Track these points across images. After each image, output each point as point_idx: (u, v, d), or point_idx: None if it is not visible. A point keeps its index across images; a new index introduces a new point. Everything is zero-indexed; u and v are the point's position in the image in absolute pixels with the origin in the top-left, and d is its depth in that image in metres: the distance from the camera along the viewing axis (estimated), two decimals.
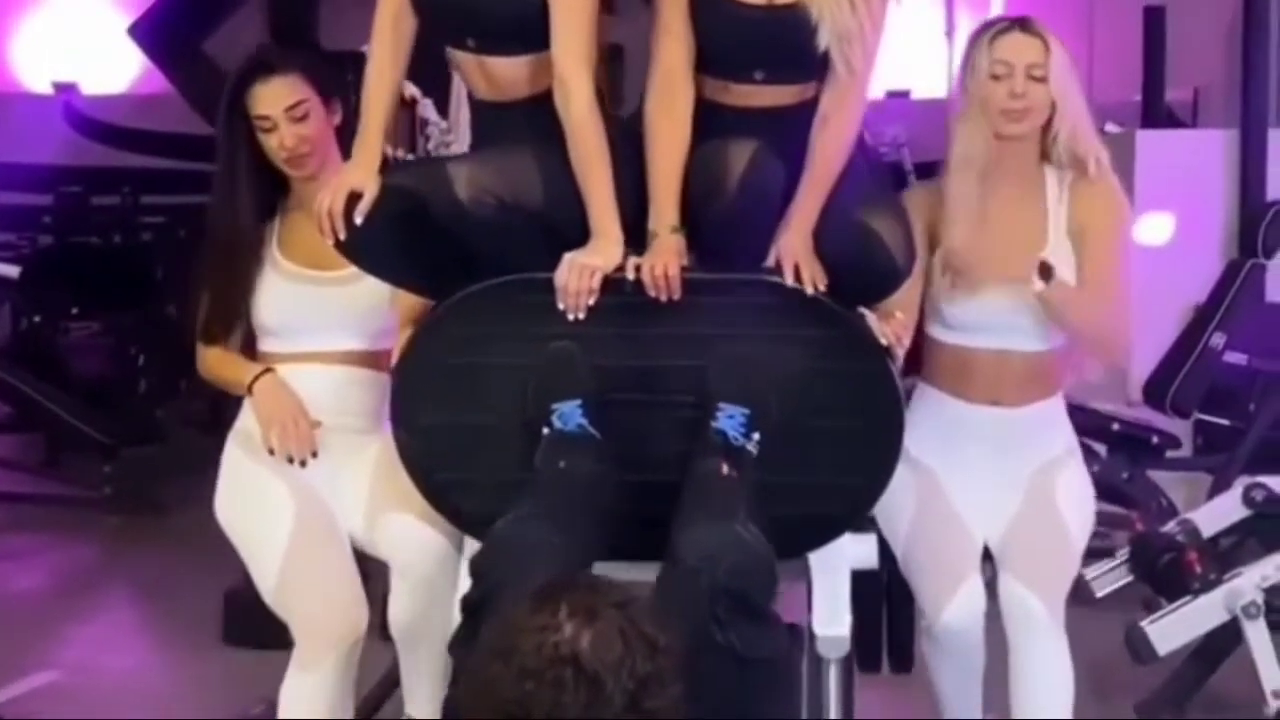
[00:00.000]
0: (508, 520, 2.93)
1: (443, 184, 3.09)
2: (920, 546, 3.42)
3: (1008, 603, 3.33)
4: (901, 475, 3.28)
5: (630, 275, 3.11)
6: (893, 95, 9.85)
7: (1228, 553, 4.51)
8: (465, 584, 3.00)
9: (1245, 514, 4.46)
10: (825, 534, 3.25)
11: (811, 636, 3.22)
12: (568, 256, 3.10)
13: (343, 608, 3.39)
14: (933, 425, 3.43)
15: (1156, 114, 7.16)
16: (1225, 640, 4.35)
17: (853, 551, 3.30)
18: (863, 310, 3.18)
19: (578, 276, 3.08)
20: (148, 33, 9.15)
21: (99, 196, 10.17)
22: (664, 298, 3.09)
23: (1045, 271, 3.30)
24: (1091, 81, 8.42)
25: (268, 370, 3.47)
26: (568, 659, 1.95)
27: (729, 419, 3.05)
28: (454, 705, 2.70)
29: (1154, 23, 7.07)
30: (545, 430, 3.09)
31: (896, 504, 3.37)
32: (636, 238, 3.16)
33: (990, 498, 3.43)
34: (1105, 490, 5.87)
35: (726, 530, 2.85)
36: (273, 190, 3.54)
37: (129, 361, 8.66)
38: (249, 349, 3.58)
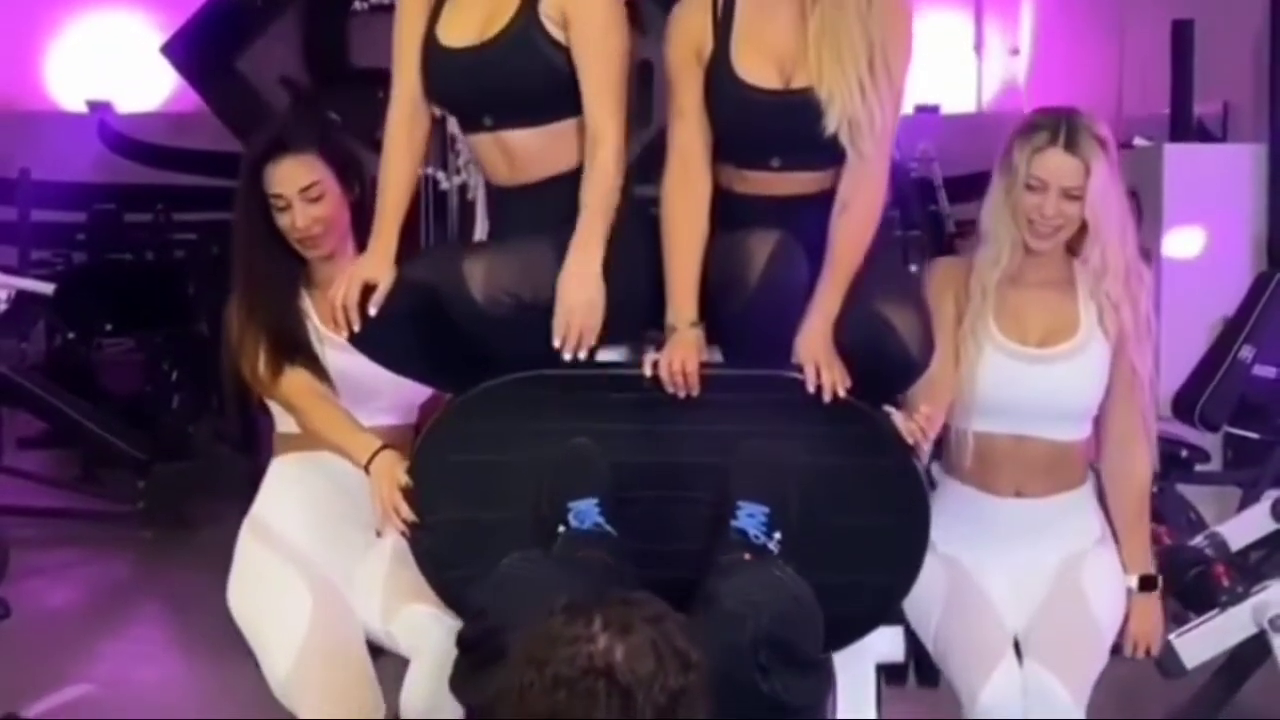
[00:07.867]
0: (514, 559, 2.89)
1: (458, 283, 3.02)
2: (952, 634, 3.30)
3: (1031, 688, 3.19)
4: (930, 567, 3.17)
5: (648, 371, 3.03)
6: (922, 110, 9.86)
7: (1256, 566, 4.49)
8: None
9: (1274, 527, 4.46)
10: (852, 633, 3.14)
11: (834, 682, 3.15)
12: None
13: (356, 710, 3.26)
14: (957, 519, 3.33)
15: (1185, 128, 7.12)
16: (1253, 653, 4.34)
17: (879, 645, 3.24)
18: (888, 409, 3.10)
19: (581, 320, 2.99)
20: (181, 51, 9.25)
21: (132, 214, 10.23)
22: (682, 394, 3.02)
23: (1146, 584, 3.39)
24: (1120, 95, 8.46)
25: (385, 447, 3.25)
26: (601, 671, 1.97)
27: (749, 517, 2.95)
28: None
29: (1183, 36, 7.05)
30: (561, 529, 3.00)
31: (926, 596, 3.27)
32: (654, 325, 3.10)
33: (1017, 588, 3.32)
34: None
35: (767, 574, 2.80)
36: (295, 263, 3.46)
37: (162, 378, 8.71)
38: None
